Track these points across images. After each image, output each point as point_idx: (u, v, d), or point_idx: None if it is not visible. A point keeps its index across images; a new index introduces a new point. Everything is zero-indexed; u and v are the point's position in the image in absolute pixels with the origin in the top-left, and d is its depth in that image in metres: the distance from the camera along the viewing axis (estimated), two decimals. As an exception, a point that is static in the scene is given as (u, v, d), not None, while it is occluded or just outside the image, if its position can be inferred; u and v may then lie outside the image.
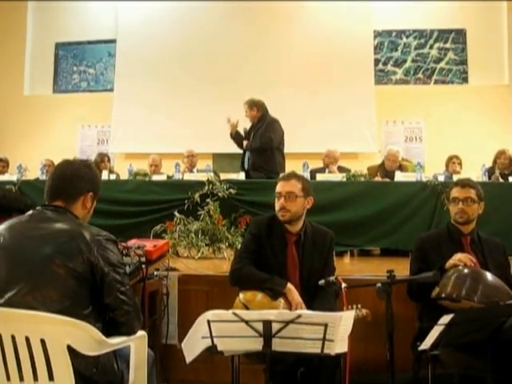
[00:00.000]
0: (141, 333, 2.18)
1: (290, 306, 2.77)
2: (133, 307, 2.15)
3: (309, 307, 2.73)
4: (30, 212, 2.22)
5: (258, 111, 6.06)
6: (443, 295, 2.75)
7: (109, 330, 2.08)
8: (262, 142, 5.92)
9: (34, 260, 2.03)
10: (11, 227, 2.15)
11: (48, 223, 2.13)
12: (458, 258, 2.89)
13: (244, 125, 6.28)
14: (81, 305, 2.03)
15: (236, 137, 6.30)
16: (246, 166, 6.09)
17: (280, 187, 3.03)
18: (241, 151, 6.33)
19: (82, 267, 2.04)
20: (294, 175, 3.11)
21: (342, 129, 8.20)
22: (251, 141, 6.01)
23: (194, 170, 6.83)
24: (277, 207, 3.00)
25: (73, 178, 2.26)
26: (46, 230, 2.10)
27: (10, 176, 5.83)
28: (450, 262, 2.89)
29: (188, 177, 5.61)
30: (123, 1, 9.10)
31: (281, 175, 3.25)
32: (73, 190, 2.25)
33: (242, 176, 5.61)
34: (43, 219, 2.15)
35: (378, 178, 5.92)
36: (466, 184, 3.17)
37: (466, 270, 2.81)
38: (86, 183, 2.29)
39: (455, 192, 3.16)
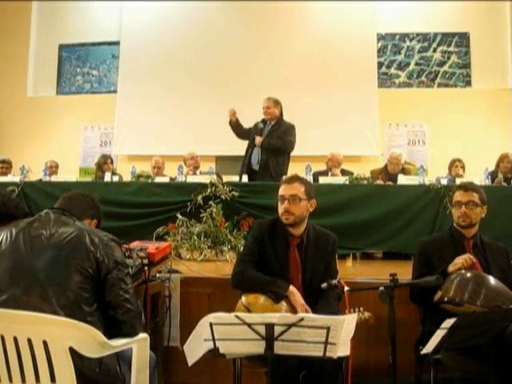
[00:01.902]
0: (143, 335, 2.18)
1: (292, 309, 2.77)
2: (134, 307, 2.18)
3: (311, 310, 2.73)
4: (37, 214, 2.28)
5: (280, 113, 6.03)
6: (446, 299, 2.75)
7: (111, 331, 2.09)
8: (284, 143, 5.86)
9: (40, 259, 2.07)
10: (18, 227, 2.19)
11: (55, 224, 2.19)
12: (460, 261, 2.89)
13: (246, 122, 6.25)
14: (86, 302, 2.07)
15: (235, 125, 6.17)
16: (252, 162, 5.97)
17: (283, 190, 3.00)
18: (242, 153, 6.27)
19: (89, 264, 2.10)
20: (296, 178, 3.09)
21: (345, 132, 8.21)
22: (267, 138, 5.89)
23: (198, 171, 6.83)
24: (280, 210, 2.98)
25: (84, 200, 2.50)
26: (53, 231, 2.16)
27: (13, 177, 5.83)
28: (455, 261, 2.89)
29: (191, 179, 5.60)
30: (127, 1, 9.11)
31: (283, 178, 3.23)
32: (82, 209, 2.44)
33: (244, 179, 5.60)
34: (50, 220, 2.20)
35: (379, 181, 5.91)
36: (468, 188, 3.16)
37: (468, 274, 2.81)
38: (94, 210, 2.53)
39: (458, 195, 3.14)
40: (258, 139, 5.90)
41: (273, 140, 5.88)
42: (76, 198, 2.47)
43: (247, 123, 6.24)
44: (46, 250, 2.09)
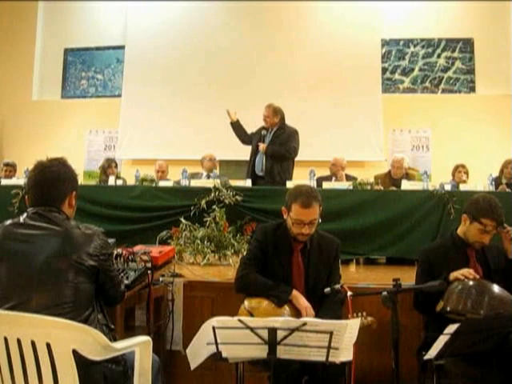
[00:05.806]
0: (145, 338, 2.19)
1: (295, 313, 2.77)
2: (117, 285, 2.39)
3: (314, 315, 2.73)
4: (23, 215, 2.24)
5: (280, 120, 6.03)
6: (448, 309, 2.72)
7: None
8: (286, 150, 5.91)
9: (34, 262, 2.08)
10: (6, 231, 2.19)
11: (41, 225, 2.18)
12: (462, 273, 2.85)
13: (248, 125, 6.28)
14: (82, 306, 2.10)
15: (236, 126, 6.24)
16: (256, 169, 6.02)
17: (302, 215, 2.88)
18: (246, 158, 6.31)
19: (81, 261, 2.11)
20: (313, 199, 2.91)
21: (349, 137, 8.20)
22: (270, 145, 5.92)
23: (212, 174, 6.80)
24: (296, 231, 2.91)
25: (55, 182, 2.30)
26: (41, 232, 2.16)
27: (17, 180, 5.85)
28: (454, 274, 2.86)
29: (194, 183, 5.60)
30: (133, 1, 9.14)
31: (299, 199, 2.91)
32: (58, 193, 2.29)
33: (248, 183, 5.60)
34: (36, 221, 2.20)
35: (379, 187, 5.88)
36: (501, 221, 3.06)
37: (470, 283, 2.78)
38: (69, 183, 2.35)
39: (490, 225, 3.03)
40: (262, 146, 5.94)
41: (276, 147, 5.91)
42: (47, 184, 2.29)
43: (252, 128, 6.28)
44: (38, 254, 2.09)
